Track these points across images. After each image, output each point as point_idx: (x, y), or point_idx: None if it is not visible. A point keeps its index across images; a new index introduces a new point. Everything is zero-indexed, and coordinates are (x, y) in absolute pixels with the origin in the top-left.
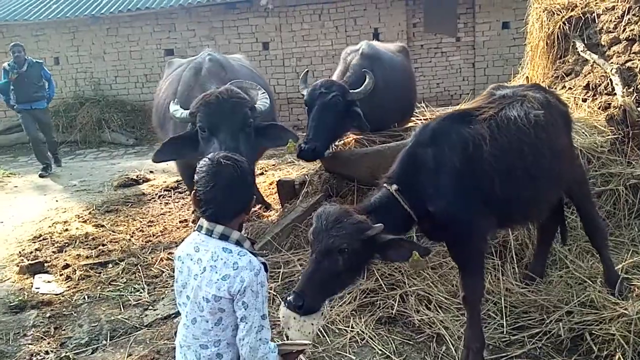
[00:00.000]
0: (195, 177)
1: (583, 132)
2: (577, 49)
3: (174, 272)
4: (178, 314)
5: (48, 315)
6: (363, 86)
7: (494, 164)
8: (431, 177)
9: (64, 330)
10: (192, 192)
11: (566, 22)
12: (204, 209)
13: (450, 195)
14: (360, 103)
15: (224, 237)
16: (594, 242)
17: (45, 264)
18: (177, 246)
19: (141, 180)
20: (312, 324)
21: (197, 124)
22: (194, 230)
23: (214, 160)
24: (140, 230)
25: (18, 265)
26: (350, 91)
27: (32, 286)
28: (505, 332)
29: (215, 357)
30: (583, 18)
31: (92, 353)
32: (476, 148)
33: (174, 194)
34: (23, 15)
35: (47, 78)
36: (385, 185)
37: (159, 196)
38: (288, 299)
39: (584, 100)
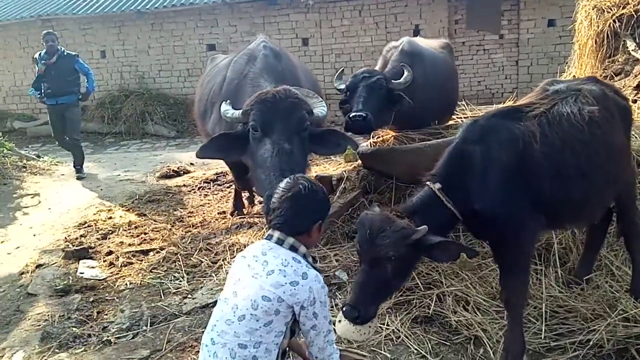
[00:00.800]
0: (274, 195)
1: (633, 135)
2: (627, 48)
3: (212, 263)
4: (216, 303)
5: (91, 299)
6: (402, 78)
7: (544, 163)
8: (478, 174)
9: (106, 314)
10: (265, 201)
11: (616, 20)
12: (271, 217)
13: (497, 193)
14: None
15: (293, 249)
16: (631, 247)
17: (90, 250)
18: (215, 237)
19: (182, 172)
20: (369, 326)
21: (249, 122)
22: (264, 238)
23: (292, 177)
24: (180, 221)
25: (64, 251)
26: (392, 81)
27: (76, 271)
28: (545, 338)
29: (251, 358)
30: (635, 16)
31: (132, 338)
32: (526, 145)
33: (213, 187)
34: (72, 9)
35: (85, 72)
36: (428, 183)
37: (199, 188)
38: (344, 311)
39: (634, 102)
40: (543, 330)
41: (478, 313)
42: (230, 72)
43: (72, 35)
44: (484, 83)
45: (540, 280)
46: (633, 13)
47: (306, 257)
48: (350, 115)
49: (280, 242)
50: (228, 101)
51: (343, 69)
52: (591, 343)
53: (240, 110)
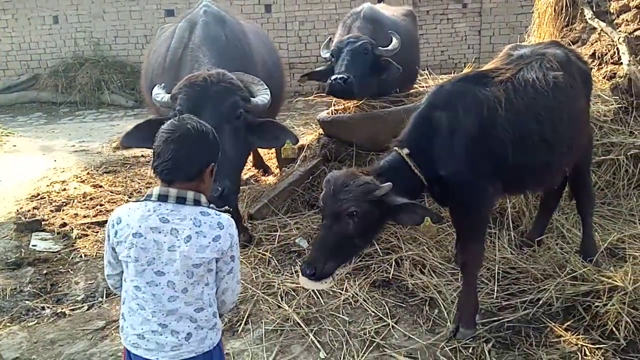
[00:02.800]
0: (156, 140)
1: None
2: (585, 16)
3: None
4: None
5: (45, 272)
6: (391, 45)
7: (508, 129)
8: (444, 140)
9: (60, 287)
10: (152, 154)
11: None
12: (156, 163)
13: (462, 159)
14: None
15: (197, 203)
16: (583, 209)
17: (43, 223)
18: None
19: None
20: (324, 284)
21: (176, 107)
22: (144, 200)
23: (175, 118)
24: (138, 192)
25: (15, 223)
26: (379, 47)
27: (29, 244)
28: (497, 297)
29: (212, 317)
30: None
31: (87, 309)
32: (491, 112)
33: None
34: None
35: None
36: (396, 148)
37: None
38: (302, 267)
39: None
40: (495, 291)
41: (434, 276)
42: (174, 41)
43: (23, 0)
44: (447, 53)
45: (494, 243)
46: None
47: (208, 203)
48: (332, 78)
49: (181, 201)
50: (162, 85)
51: (330, 38)
52: (541, 302)
53: (170, 95)
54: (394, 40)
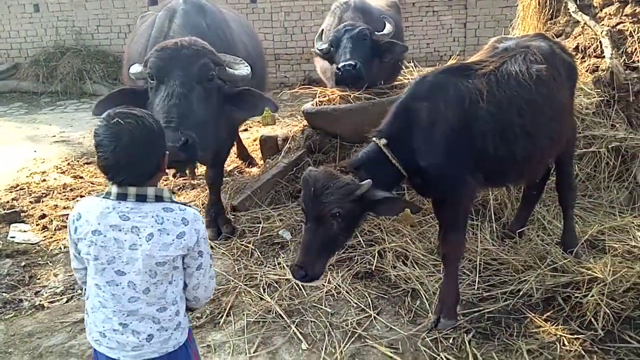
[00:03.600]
0: (94, 140)
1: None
2: (568, 9)
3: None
4: None
5: (23, 264)
6: (385, 30)
7: (490, 122)
8: (424, 131)
9: (39, 279)
10: (96, 159)
11: None
12: (111, 175)
13: (442, 151)
14: None
15: (158, 199)
16: (564, 201)
17: (22, 214)
18: None
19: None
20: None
21: (146, 72)
22: (102, 197)
23: (110, 118)
24: None
25: None
26: (376, 32)
27: (7, 235)
28: (478, 289)
29: (175, 316)
30: None
31: (66, 302)
32: (472, 104)
33: None
34: None
35: None
36: (374, 139)
37: None
38: (291, 271)
39: None
40: (476, 282)
41: (416, 267)
42: (154, 30)
43: None
44: (432, 45)
45: (476, 235)
46: None
47: (171, 198)
48: (339, 66)
49: (142, 199)
50: (145, 59)
51: (322, 30)
52: (521, 293)
53: (142, 64)
54: (388, 25)
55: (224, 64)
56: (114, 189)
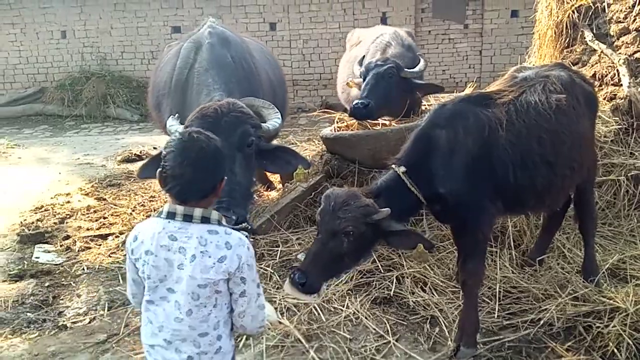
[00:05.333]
0: (163, 152)
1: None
2: (585, 38)
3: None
4: None
5: (47, 284)
6: (418, 67)
7: (509, 150)
8: (444, 159)
9: (62, 299)
10: (159, 170)
11: (575, 11)
12: (170, 186)
13: (461, 178)
14: None
15: (205, 220)
16: (585, 229)
17: (46, 235)
18: None
19: (144, 156)
20: (310, 297)
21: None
22: (156, 217)
23: (184, 135)
24: (141, 205)
25: (19, 235)
26: (405, 69)
27: (32, 256)
28: (498, 317)
29: (216, 341)
30: (593, 7)
31: (89, 322)
32: (492, 132)
33: None
34: None
35: None
36: (393, 166)
37: None
38: (292, 276)
39: None
40: (496, 310)
41: (435, 294)
42: (180, 61)
43: (32, 15)
44: (448, 72)
45: (495, 262)
46: (591, 4)
47: (220, 222)
48: (354, 102)
49: (188, 219)
50: (177, 115)
51: (364, 56)
52: (542, 322)
53: (182, 127)
54: (421, 63)
55: (259, 122)
56: (166, 207)
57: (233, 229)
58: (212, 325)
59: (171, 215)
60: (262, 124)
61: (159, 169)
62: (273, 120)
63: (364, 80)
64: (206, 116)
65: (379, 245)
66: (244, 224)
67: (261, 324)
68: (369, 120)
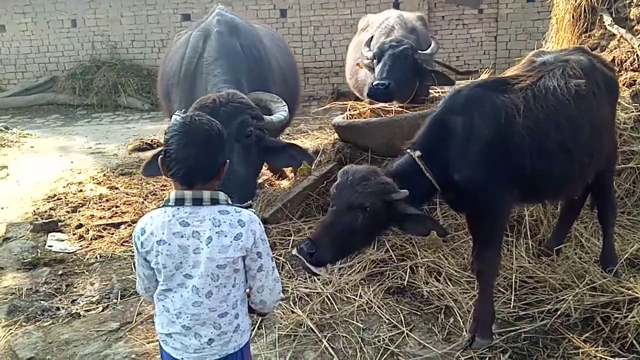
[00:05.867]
0: (165, 136)
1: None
2: (604, 22)
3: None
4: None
5: (60, 273)
6: (430, 49)
7: (526, 137)
8: (459, 145)
9: (75, 287)
10: (161, 157)
11: None
12: (175, 169)
13: (477, 165)
14: None
15: (214, 202)
16: (604, 218)
17: (59, 223)
18: None
19: (156, 145)
20: (317, 270)
21: None
22: (163, 206)
23: (186, 118)
24: (153, 194)
25: (32, 224)
26: (419, 51)
27: (45, 244)
28: (514, 307)
29: (234, 319)
30: None
31: (102, 311)
32: (508, 119)
33: None
34: None
35: None
36: (408, 151)
37: None
38: (301, 245)
39: None
40: (512, 300)
41: (449, 284)
42: (189, 50)
43: (42, 4)
44: (462, 58)
45: (511, 252)
46: None
47: (227, 201)
48: (374, 83)
49: (198, 202)
50: (183, 110)
51: (372, 36)
52: (559, 312)
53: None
54: (433, 44)
55: (262, 108)
56: (172, 194)
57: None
58: (230, 304)
59: (180, 202)
60: (265, 116)
61: (161, 155)
62: (279, 113)
63: (378, 61)
64: (204, 107)
65: (391, 230)
66: (249, 202)
67: (278, 297)
68: (382, 107)
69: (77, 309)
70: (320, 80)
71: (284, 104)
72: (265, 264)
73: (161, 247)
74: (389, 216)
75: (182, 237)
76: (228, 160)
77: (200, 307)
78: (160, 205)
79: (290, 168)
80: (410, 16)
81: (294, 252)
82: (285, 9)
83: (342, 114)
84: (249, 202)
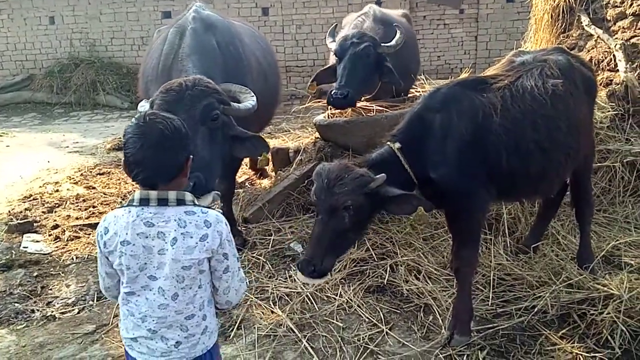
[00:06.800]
0: (123, 139)
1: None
2: (581, 23)
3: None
4: None
5: (35, 274)
6: (394, 40)
7: (503, 136)
8: (436, 143)
9: (51, 289)
10: (123, 159)
11: None
12: (135, 172)
13: (454, 163)
14: None
15: (180, 202)
16: (581, 217)
17: (35, 224)
18: None
19: None
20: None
21: None
22: (127, 206)
23: (140, 118)
24: (131, 193)
25: (7, 224)
26: (382, 44)
27: (20, 245)
28: (492, 304)
29: (202, 321)
30: None
31: (78, 313)
32: (486, 117)
33: None
34: None
35: None
36: (388, 142)
37: None
38: (300, 264)
39: None
40: (490, 297)
41: (429, 282)
42: (166, 47)
43: (19, 0)
44: (443, 58)
45: (490, 249)
46: None
47: (194, 202)
48: (332, 92)
49: (163, 203)
50: (150, 100)
51: (336, 24)
52: (536, 309)
53: (149, 103)
54: (397, 35)
55: (231, 98)
56: (137, 194)
57: (196, 196)
58: (197, 306)
59: (144, 202)
60: (232, 103)
61: (123, 157)
62: (247, 102)
63: (339, 60)
64: (170, 90)
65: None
66: (212, 192)
67: (242, 296)
68: (363, 106)
69: (52, 312)
70: (303, 78)
71: (253, 95)
72: (231, 265)
73: (125, 248)
74: (374, 203)
75: (146, 237)
76: (191, 156)
77: (166, 310)
78: (124, 205)
79: (272, 166)
80: (393, 12)
81: (299, 277)
82: (267, 7)
83: (323, 112)
84: (215, 193)
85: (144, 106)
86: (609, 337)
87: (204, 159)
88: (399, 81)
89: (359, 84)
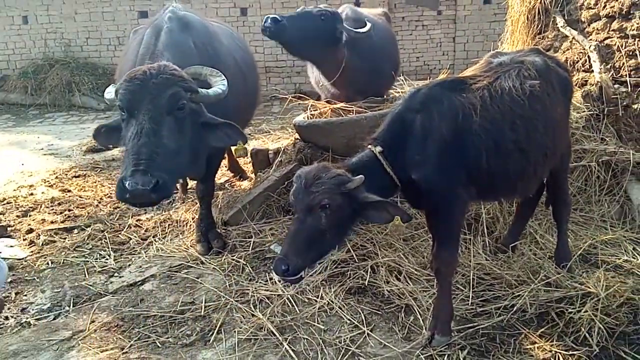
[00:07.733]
0: None
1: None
2: (557, 24)
3: (142, 239)
4: (145, 281)
5: (9, 280)
6: (363, 29)
7: (482, 136)
8: (417, 143)
9: (26, 295)
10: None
11: None
12: None
13: (434, 164)
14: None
15: None
16: (559, 215)
17: (9, 228)
18: (145, 213)
19: (111, 146)
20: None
21: (116, 103)
22: None
23: None
24: (108, 197)
25: None
26: (345, 26)
27: None
28: (472, 304)
29: None
30: None
31: (54, 319)
32: (465, 118)
33: None
34: None
35: None
36: (369, 146)
37: None
38: (273, 265)
39: None
40: (470, 297)
41: (409, 282)
42: (142, 48)
43: None
44: (422, 59)
45: (469, 249)
46: None
47: None
48: (264, 18)
49: None
50: (115, 88)
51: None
52: (515, 308)
53: (114, 91)
54: (368, 24)
55: (200, 83)
56: None
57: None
58: None
59: None
60: (200, 89)
61: None
62: (217, 87)
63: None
64: (134, 78)
65: (358, 223)
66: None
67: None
68: (342, 106)
69: (27, 318)
70: (282, 79)
71: (224, 78)
72: None
73: None
74: (352, 207)
75: None
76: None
77: None
78: None
79: (251, 169)
80: (372, 11)
81: (275, 277)
82: (245, 7)
83: (303, 113)
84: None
85: (110, 92)
86: (587, 335)
87: (171, 150)
88: (342, 42)
89: (298, 27)
